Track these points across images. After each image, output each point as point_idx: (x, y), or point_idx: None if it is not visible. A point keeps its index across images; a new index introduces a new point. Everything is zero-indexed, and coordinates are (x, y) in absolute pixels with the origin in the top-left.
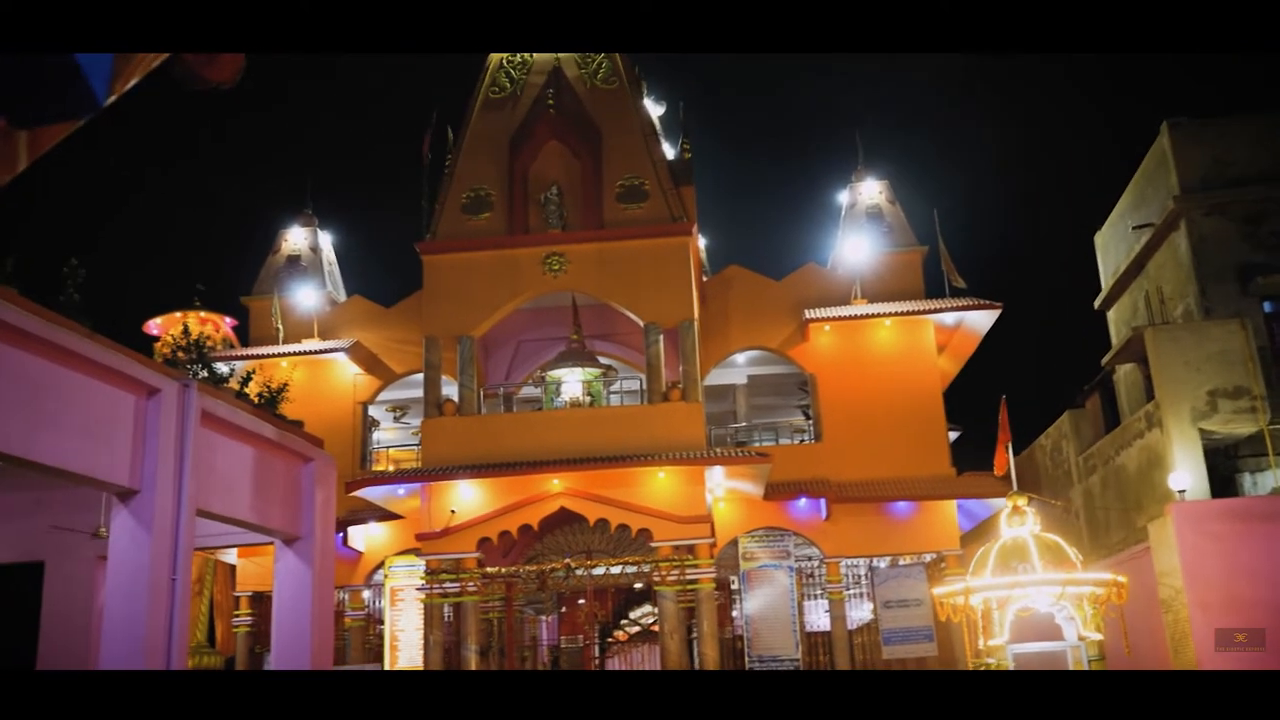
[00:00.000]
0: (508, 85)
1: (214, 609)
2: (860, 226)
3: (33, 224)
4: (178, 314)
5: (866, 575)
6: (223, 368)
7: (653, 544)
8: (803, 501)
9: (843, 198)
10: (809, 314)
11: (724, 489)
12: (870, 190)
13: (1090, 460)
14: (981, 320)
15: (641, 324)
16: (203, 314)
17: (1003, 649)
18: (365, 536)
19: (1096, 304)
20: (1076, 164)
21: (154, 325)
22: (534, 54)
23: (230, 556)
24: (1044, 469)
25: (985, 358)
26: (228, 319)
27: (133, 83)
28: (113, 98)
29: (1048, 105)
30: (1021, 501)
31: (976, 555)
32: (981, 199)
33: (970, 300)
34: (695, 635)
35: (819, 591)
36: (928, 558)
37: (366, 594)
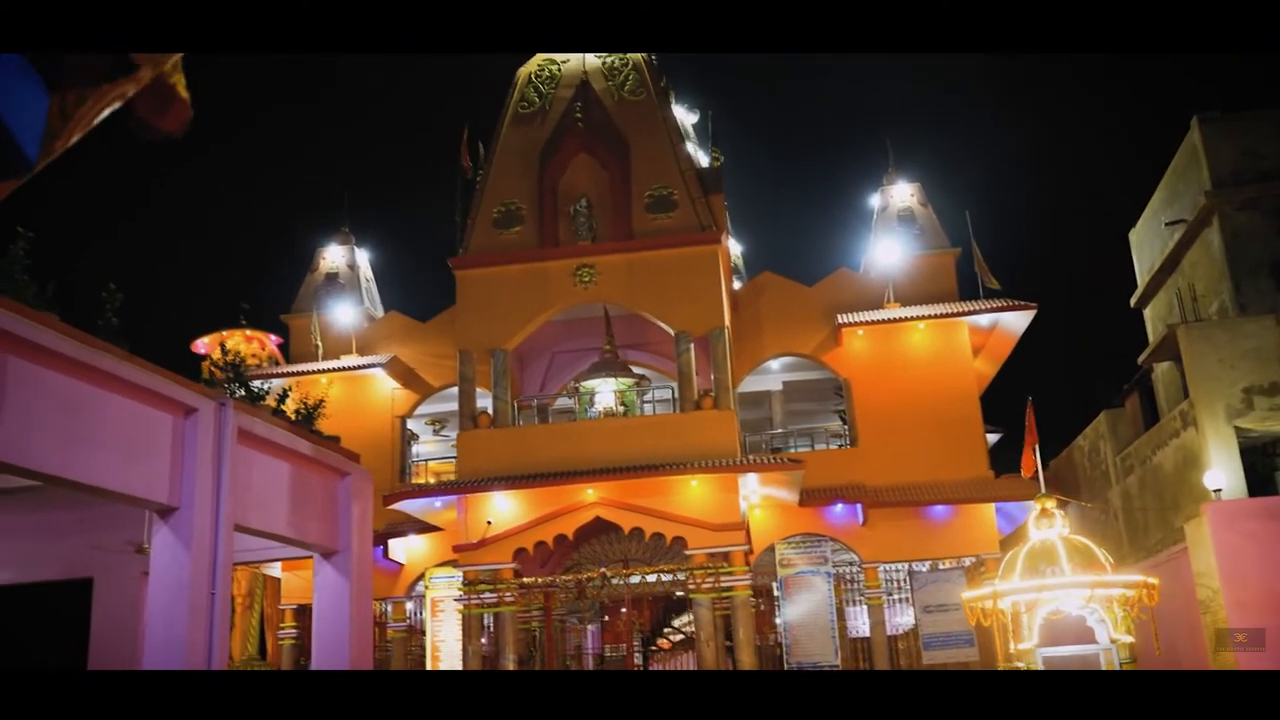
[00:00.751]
0: (536, 100)
1: (264, 622)
2: (892, 230)
3: (77, 248)
4: (224, 332)
5: (906, 580)
6: (265, 384)
7: (687, 552)
8: (839, 507)
9: (874, 201)
10: (842, 319)
11: (759, 496)
12: (901, 193)
13: (1128, 460)
14: (1017, 321)
15: (672, 333)
16: (248, 332)
17: (1032, 652)
18: (406, 549)
19: (1132, 302)
20: (1110, 161)
21: (201, 344)
22: (562, 68)
23: (276, 570)
24: (1082, 470)
25: (1026, 359)
26: (273, 336)
27: (74, 139)
28: (50, 157)
29: (1078, 103)
30: (1050, 504)
31: (1005, 559)
32: (1014, 199)
33: (1004, 301)
34: (730, 643)
35: (859, 597)
36: (967, 561)
37: (409, 605)
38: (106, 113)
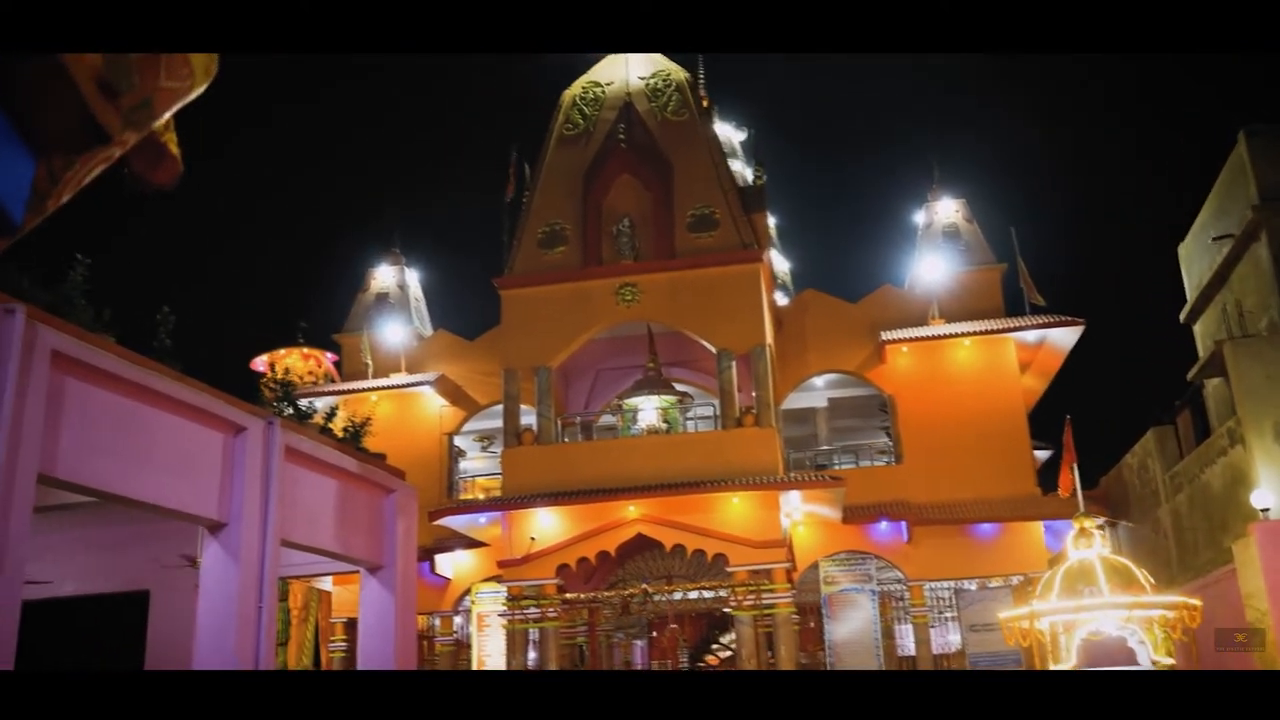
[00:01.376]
0: (581, 122)
1: (318, 635)
2: (937, 246)
3: (131, 264)
4: (282, 351)
5: (952, 599)
6: (317, 402)
7: (729, 569)
8: (884, 524)
9: (919, 218)
10: (886, 335)
11: (802, 513)
12: (946, 209)
13: (1177, 478)
14: (1064, 337)
15: (714, 351)
16: (305, 350)
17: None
18: (453, 564)
19: (1182, 317)
20: (1160, 174)
21: (260, 362)
22: (606, 90)
23: (328, 584)
24: (1132, 488)
25: (1077, 374)
26: (329, 355)
27: (65, 199)
28: (42, 216)
29: (1128, 115)
30: (1088, 523)
31: (1043, 579)
32: (1060, 213)
33: (1050, 317)
34: (773, 660)
35: (905, 616)
36: (1015, 580)
37: (456, 620)
38: (96, 173)
